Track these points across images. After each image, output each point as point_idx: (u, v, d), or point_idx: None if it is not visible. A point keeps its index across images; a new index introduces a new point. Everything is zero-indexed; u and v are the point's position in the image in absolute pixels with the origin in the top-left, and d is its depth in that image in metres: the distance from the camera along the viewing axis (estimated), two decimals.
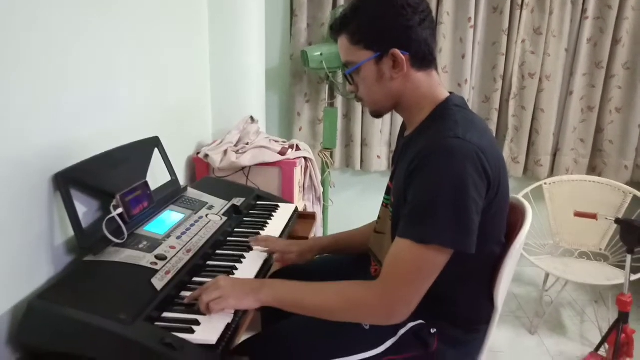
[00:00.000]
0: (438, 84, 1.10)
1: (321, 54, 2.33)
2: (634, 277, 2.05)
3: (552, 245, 2.57)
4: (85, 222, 1.14)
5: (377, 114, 1.16)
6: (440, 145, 0.95)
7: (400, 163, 1.08)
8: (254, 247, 1.34)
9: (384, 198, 1.23)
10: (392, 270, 0.98)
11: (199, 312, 1.00)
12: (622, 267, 2.09)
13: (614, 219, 1.94)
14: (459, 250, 0.95)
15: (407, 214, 0.98)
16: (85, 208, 1.19)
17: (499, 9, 2.56)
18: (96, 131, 1.28)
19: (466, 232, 0.94)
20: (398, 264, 0.97)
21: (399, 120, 1.21)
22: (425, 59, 1.06)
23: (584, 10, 2.54)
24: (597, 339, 2.13)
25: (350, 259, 1.40)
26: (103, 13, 1.29)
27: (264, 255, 1.31)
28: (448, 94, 1.10)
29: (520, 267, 2.88)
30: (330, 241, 1.43)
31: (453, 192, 0.93)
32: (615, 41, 2.56)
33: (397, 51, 1.02)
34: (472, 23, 2.55)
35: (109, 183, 1.22)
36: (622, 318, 1.90)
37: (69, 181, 1.11)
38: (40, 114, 1.06)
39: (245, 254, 1.30)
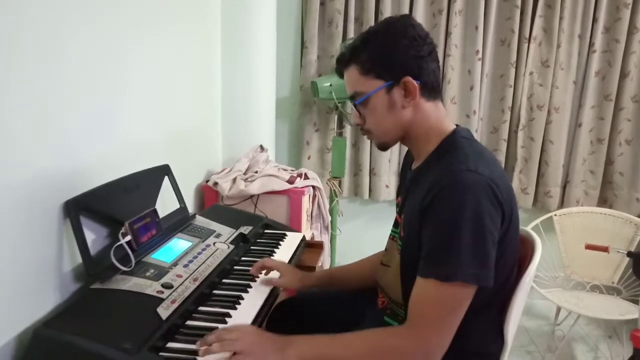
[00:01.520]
0: (445, 115, 1.11)
1: (330, 85, 2.37)
2: None
3: (564, 278, 2.52)
4: (93, 249, 1.15)
5: (384, 146, 1.16)
6: (452, 179, 0.95)
7: (410, 196, 1.08)
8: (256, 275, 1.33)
9: (392, 231, 1.22)
10: (419, 312, 0.97)
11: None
12: (636, 302, 2.05)
13: (625, 252, 1.91)
14: (481, 284, 0.94)
15: (427, 252, 0.97)
16: (94, 235, 1.20)
17: (507, 42, 2.59)
18: (107, 157, 1.30)
19: (486, 265, 0.94)
20: (426, 305, 0.96)
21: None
22: (433, 89, 1.07)
23: (591, 44, 2.56)
24: None
25: (357, 290, 1.38)
26: (112, 40, 1.32)
27: (270, 285, 1.30)
28: (454, 126, 1.10)
29: (531, 300, 2.82)
30: (324, 275, 1.41)
31: (471, 226, 0.92)
32: (623, 74, 2.58)
33: (410, 79, 1.03)
34: (480, 56, 2.58)
35: (118, 210, 1.23)
36: (637, 355, 1.84)
37: (79, 208, 1.12)
38: (51, 141, 1.08)
39: (251, 283, 1.29)
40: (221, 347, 0.94)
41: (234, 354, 0.94)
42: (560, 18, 2.53)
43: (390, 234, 1.22)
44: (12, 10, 0.95)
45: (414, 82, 1.03)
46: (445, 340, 0.96)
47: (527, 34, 2.57)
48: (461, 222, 0.92)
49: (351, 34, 2.59)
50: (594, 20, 2.53)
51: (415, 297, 0.97)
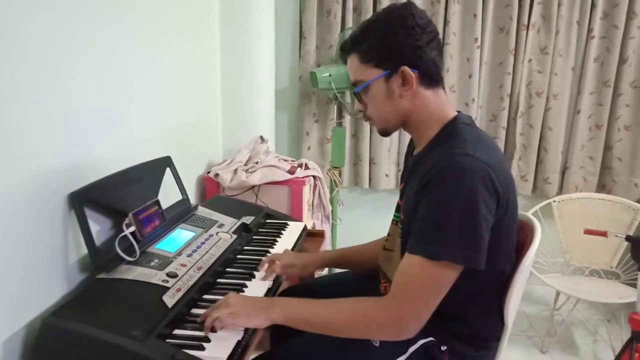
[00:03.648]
0: (446, 102, 1.12)
1: (330, 75, 2.37)
2: None
3: (563, 263, 2.54)
4: (98, 240, 1.16)
5: (385, 132, 1.18)
6: (450, 163, 0.96)
7: (411, 181, 1.10)
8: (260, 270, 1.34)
9: (394, 215, 1.24)
10: (402, 286, 0.99)
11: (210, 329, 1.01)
12: (635, 285, 2.07)
13: (624, 237, 1.93)
14: (469, 266, 0.95)
15: (417, 230, 0.99)
16: (98, 226, 1.21)
17: (505, 29, 2.59)
18: (109, 150, 1.31)
19: (476, 248, 0.95)
20: (408, 280, 0.98)
21: (407, 139, 1.23)
22: (433, 78, 1.08)
23: (589, 30, 2.56)
24: (610, 359, 2.10)
25: (359, 277, 1.40)
26: (115, 34, 1.33)
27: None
28: (456, 113, 1.11)
29: (531, 286, 2.85)
30: (336, 255, 1.44)
31: (464, 209, 0.94)
32: (622, 60, 2.58)
33: (407, 68, 1.04)
34: (479, 43, 2.58)
35: (122, 202, 1.25)
36: (636, 337, 1.87)
37: (84, 200, 1.13)
38: (54, 135, 1.09)
39: (255, 272, 1.31)
40: (210, 318, 1.00)
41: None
42: (559, 4, 2.52)
43: (393, 219, 1.24)
44: (20, 9, 0.96)
45: (411, 71, 1.04)
46: (421, 317, 0.97)
47: (525, 21, 2.56)
48: (454, 204, 0.94)
49: (350, 23, 2.58)
50: (593, 6, 2.54)
51: (401, 272, 0.99)
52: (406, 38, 1.04)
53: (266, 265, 1.32)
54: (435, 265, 0.95)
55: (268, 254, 1.41)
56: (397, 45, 1.05)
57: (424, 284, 0.96)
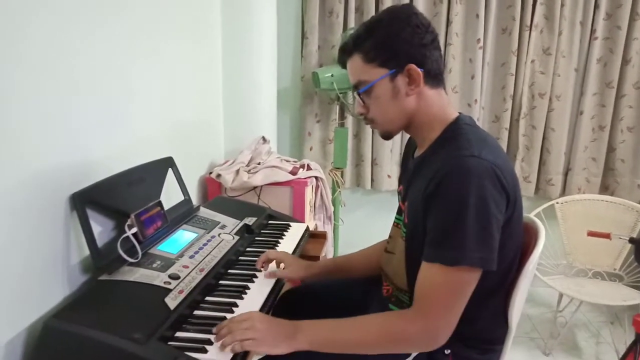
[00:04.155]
0: (448, 103, 1.11)
1: (332, 75, 2.37)
2: None
3: (566, 265, 2.54)
4: (100, 241, 1.15)
5: (388, 135, 1.16)
6: (456, 165, 0.96)
7: (414, 184, 1.09)
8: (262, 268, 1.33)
9: (395, 218, 1.23)
10: (427, 296, 0.98)
11: (213, 332, 1.00)
12: (638, 288, 2.06)
13: (627, 239, 1.92)
14: (485, 268, 0.95)
15: (432, 238, 0.97)
16: (100, 227, 1.21)
17: (508, 30, 2.58)
18: (110, 151, 1.31)
19: (490, 249, 0.95)
20: (432, 289, 0.97)
21: None
22: (436, 77, 1.08)
23: (593, 31, 2.56)
24: None
25: (361, 279, 1.39)
26: (115, 35, 1.32)
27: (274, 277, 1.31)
28: (457, 114, 1.11)
29: (534, 288, 2.84)
30: (328, 263, 1.42)
31: (475, 211, 0.93)
32: (625, 61, 2.57)
33: (414, 66, 1.03)
34: (481, 44, 2.57)
35: (124, 203, 1.24)
36: (639, 339, 1.86)
37: (86, 201, 1.12)
38: (54, 135, 1.08)
39: (257, 274, 1.30)
40: (232, 338, 0.96)
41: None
42: (562, 5, 2.52)
43: (394, 221, 1.23)
44: (20, 9, 0.95)
45: (418, 69, 1.04)
46: (452, 324, 0.97)
47: (528, 22, 2.56)
48: (466, 207, 0.92)
49: (352, 24, 2.58)
50: (596, 7, 2.53)
51: (421, 282, 0.98)
52: (412, 36, 1.04)
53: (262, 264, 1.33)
54: (456, 271, 0.94)
55: None
56: (403, 44, 1.04)
57: (448, 291, 0.96)
